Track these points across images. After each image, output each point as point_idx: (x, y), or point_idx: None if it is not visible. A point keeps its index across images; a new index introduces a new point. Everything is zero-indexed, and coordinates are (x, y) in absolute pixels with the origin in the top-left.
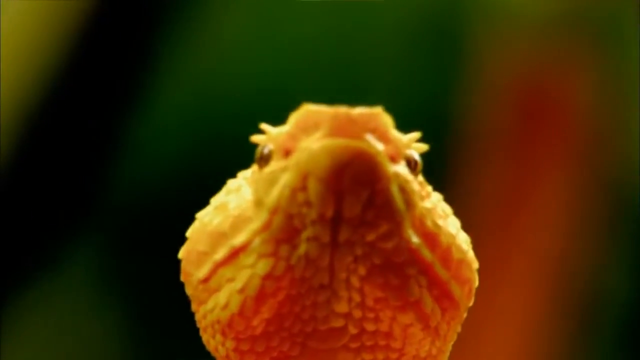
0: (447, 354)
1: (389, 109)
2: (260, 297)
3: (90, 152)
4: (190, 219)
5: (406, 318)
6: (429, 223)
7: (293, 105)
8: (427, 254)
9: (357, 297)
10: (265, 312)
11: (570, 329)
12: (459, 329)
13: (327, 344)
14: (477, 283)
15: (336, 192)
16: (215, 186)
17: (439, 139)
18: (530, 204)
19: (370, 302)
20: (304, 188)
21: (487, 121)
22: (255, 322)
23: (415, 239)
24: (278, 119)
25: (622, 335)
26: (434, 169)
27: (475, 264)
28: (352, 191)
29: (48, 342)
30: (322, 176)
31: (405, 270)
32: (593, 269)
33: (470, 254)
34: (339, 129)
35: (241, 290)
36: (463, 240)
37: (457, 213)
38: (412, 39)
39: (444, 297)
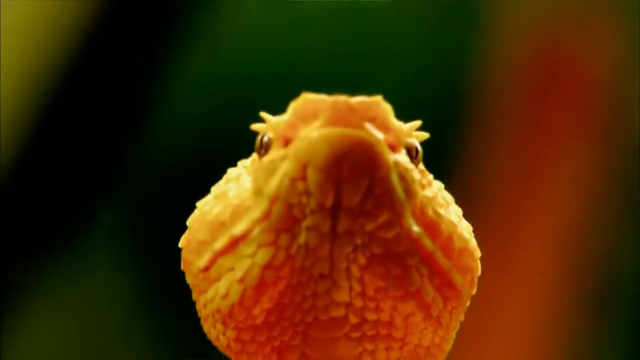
0: (451, 342)
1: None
2: (260, 286)
3: (114, 122)
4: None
5: (407, 307)
6: (429, 212)
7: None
8: (428, 243)
9: (357, 287)
10: (266, 302)
11: (587, 306)
12: (462, 317)
13: (328, 333)
14: (479, 272)
15: (335, 181)
16: (239, 157)
17: (455, 115)
18: (548, 179)
19: (370, 292)
20: (303, 177)
21: (504, 95)
22: (255, 312)
23: (415, 228)
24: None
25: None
26: (451, 146)
27: (478, 253)
28: (351, 180)
29: (69, 315)
30: (321, 165)
31: (406, 260)
32: (611, 245)
33: (472, 243)
34: (338, 117)
35: (241, 280)
36: (464, 229)
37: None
38: (427, 17)
39: (445, 286)
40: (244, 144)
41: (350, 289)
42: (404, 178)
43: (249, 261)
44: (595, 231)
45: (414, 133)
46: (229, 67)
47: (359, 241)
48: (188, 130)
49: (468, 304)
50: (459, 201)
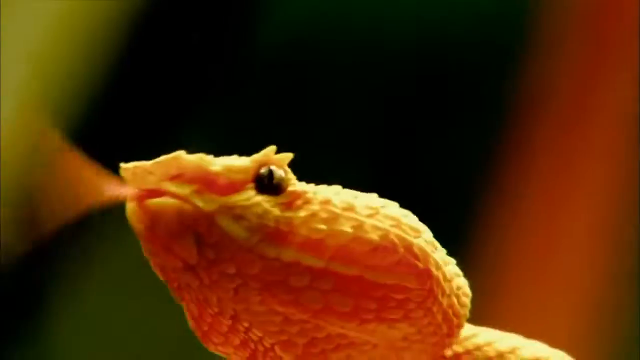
0: (437, 322)
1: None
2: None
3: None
4: None
5: (331, 320)
6: (304, 232)
7: None
8: (313, 260)
9: (273, 318)
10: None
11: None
12: (443, 301)
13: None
14: (417, 255)
15: (164, 248)
16: None
17: (508, 65)
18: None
19: (289, 319)
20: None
21: (555, 48)
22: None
23: (288, 253)
24: None
25: None
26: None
27: (405, 241)
28: (174, 244)
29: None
30: (142, 239)
31: (291, 283)
32: None
33: (390, 236)
34: (138, 182)
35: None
36: (376, 226)
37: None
38: None
39: (368, 289)
40: None
41: (266, 322)
42: (242, 216)
43: None
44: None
45: (273, 158)
46: None
47: (233, 285)
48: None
49: (436, 288)
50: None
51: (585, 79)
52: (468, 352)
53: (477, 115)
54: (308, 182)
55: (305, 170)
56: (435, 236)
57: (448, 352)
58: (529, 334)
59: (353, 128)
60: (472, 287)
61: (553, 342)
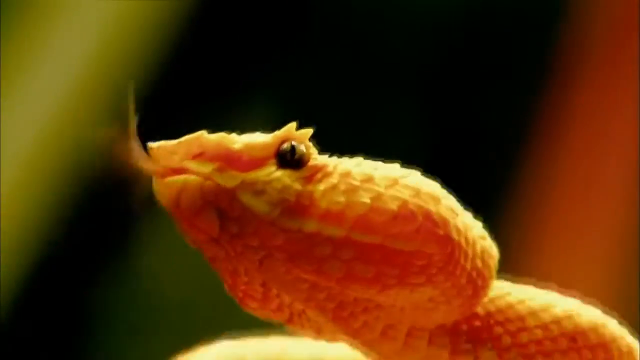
0: (459, 286)
1: None
2: None
3: None
4: None
5: (355, 289)
6: (323, 204)
7: None
8: (334, 230)
9: (300, 285)
10: None
11: None
12: (466, 264)
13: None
14: (438, 221)
15: (187, 221)
16: None
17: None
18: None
19: (315, 285)
20: None
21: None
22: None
23: (310, 225)
24: None
25: None
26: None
27: (424, 209)
28: (196, 218)
29: None
30: (169, 212)
31: (315, 253)
32: None
33: (410, 205)
34: (163, 161)
35: None
36: (394, 196)
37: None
38: None
39: (388, 256)
40: None
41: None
42: (264, 191)
43: None
44: None
45: (295, 134)
46: None
47: (257, 256)
48: None
49: (457, 253)
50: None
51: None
52: (500, 310)
53: (515, 81)
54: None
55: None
56: (479, 190)
57: (479, 310)
58: (566, 284)
59: (400, 90)
60: (512, 240)
61: (587, 293)
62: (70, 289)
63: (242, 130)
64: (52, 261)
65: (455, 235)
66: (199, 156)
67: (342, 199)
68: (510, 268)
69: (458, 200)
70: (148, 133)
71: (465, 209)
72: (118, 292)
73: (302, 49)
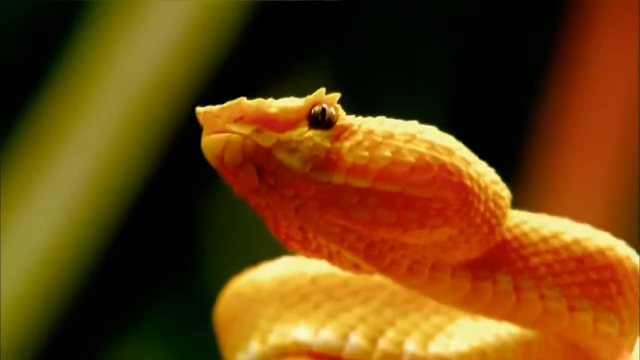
0: (475, 225)
1: None
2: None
3: None
4: None
5: (381, 233)
6: (350, 159)
7: None
8: (360, 182)
9: (333, 229)
10: None
11: None
12: (479, 206)
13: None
14: (453, 169)
15: (231, 174)
16: None
17: None
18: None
19: (346, 228)
20: None
21: None
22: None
23: (338, 177)
24: None
25: None
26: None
27: (442, 159)
28: (236, 171)
29: None
30: (215, 167)
31: (343, 201)
32: None
33: (428, 156)
34: (208, 126)
35: None
36: (412, 149)
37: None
38: None
39: (409, 201)
40: None
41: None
42: (296, 149)
43: None
44: None
45: (325, 97)
46: None
47: (293, 204)
48: None
49: (471, 197)
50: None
51: None
52: (515, 237)
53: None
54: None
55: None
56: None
57: (498, 239)
58: (577, 217)
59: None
60: (529, 177)
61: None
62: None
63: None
64: None
65: (468, 182)
66: (240, 119)
67: (366, 153)
68: (526, 204)
69: (476, 150)
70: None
71: (482, 158)
72: None
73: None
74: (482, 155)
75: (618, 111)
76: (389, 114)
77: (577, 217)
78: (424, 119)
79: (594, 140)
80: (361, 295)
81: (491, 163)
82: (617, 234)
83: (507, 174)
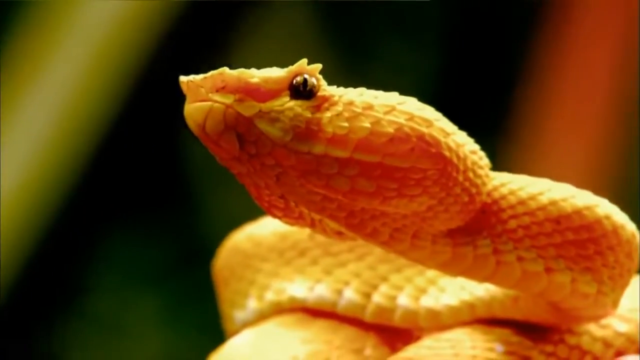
0: (458, 191)
1: None
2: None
3: None
4: None
5: (361, 202)
6: (330, 129)
7: None
8: (339, 152)
9: (313, 197)
10: None
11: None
12: (457, 176)
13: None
14: (428, 140)
15: (212, 142)
16: None
17: None
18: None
19: (327, 197)
20: None
21: None
22: None
23: (319, 147)
24: None
25: None
26: None
27: (418, 131)
28: (218, 139)
29: None
30: (197, 135)
31: (323, 172)
32: None
33: (407, 127)
34: (191, 95)
35: None
36: (392, 120)
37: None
38: None
39: (388, 171)
40: None
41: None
42: (277, 119)
43: None
44: None
45: (307, 68)
46: None
47: (274, 172)
48: None
49: (449, 168)
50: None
51: None
52: (495, 201)
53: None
54: None
55: None
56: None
57: (478, 207)
58: (561, 178)
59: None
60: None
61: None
62: None
63: None
64: None
65: (446, 153)
66: (222, 89)
67: (345, 124)
68: (513, 162)
69: (463, 106)
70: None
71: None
72: None
73: None
74: (470, 110)
75: (606, 69)
76: (378, 65)
77: (563, 175)
78: (413, 70)
79: (581, 98)
80: (358, 250)
81: (478, 117)
82: (602, 192)
83: (494, 130)
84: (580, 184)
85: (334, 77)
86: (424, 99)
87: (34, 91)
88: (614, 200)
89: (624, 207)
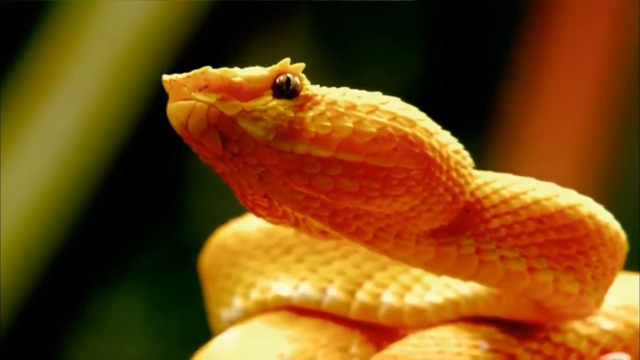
0: (441, 191)
1: None
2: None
3: None
4: None
5: (344, 201)
6: (312, 129)
7: None
8: (322, 152)
9: (296, 197)
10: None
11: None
12: (441, 177)
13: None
14: (411, 141)
15: (195, 142)
16: None
17: None
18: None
19: (310, 196)
20: None
21: None
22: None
23: (302, 147)
24: None
25: None
26: None
27: (402, 131)
28: (200, 138)
29: None
30: (180, 133)
31: (306, 171)
32: None
33: (390, 127)
34: (173, 93)
35: None
36: (375, 120)
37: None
38: None
39: (371, 171)
40: None
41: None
42: (260, 118)
43: None
44: None
45: (290, 67)
46: None
47: (256, 171)
48: None
49: (433, 168)
50: None
51: None
52: (478, 200)
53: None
54: None
55: None
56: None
57: (461, 207)
58: (542, 177)
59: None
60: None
61: (562, 184)
62: None
63: None
64: None
65: (430, 153)
66: (205, 88)
67: (328, 124)
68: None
69: (448, 103)
70: None
71: (454, 109)
72: None
73: None
74: (454, 109)
75: (591, 67)
76: (363, 65)
77: (548, 174)
78: (397, 70)
79: (566, 96)
80: (343, 248)
81: (463, 116)
82: (587, 190)
83: (479, 129)
84: (566, 182)
85: (320, 77)
86: (409, 98)
87: (52, 103)
88: (600, 198)
89: (609, 206)
